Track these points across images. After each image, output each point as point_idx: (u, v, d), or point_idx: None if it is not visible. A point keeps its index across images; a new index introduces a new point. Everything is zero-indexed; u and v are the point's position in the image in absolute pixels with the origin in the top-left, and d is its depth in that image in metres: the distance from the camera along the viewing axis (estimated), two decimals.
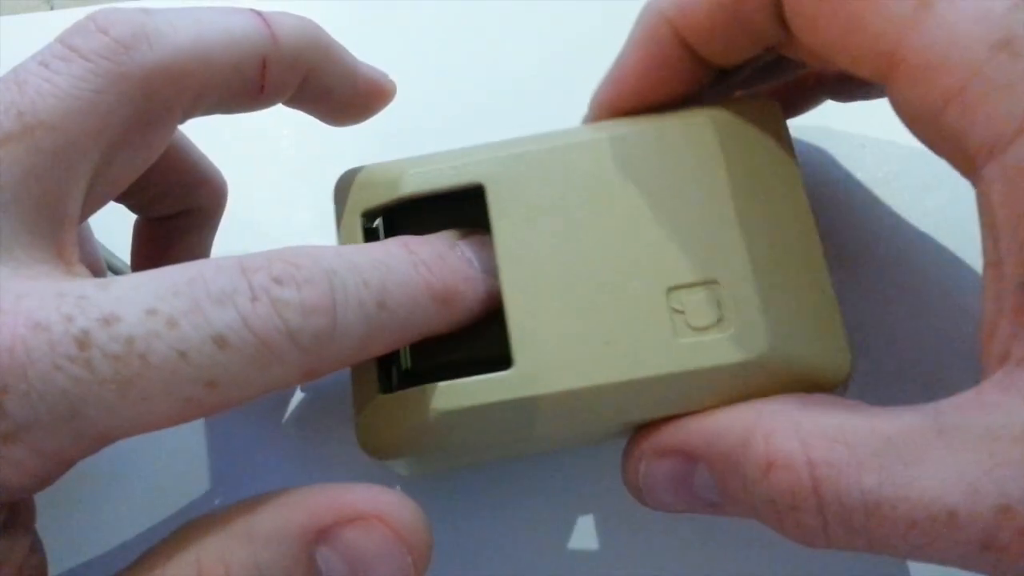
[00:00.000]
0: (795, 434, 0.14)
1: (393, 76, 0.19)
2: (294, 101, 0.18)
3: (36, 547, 0.14)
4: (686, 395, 0.16)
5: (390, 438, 0.17)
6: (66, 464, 0.13)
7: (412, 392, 0.16)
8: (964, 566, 0.13)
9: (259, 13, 0.16)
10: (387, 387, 0.17)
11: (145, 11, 0.15)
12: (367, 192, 0.18)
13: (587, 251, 0.17)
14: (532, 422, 0.16)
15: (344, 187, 0.19)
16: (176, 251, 0.21)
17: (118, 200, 0.19)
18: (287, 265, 0.14)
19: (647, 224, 0.17)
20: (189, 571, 0.13)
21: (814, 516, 0.14)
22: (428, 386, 0.16)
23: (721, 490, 0.15)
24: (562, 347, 0.16)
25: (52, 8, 0.34)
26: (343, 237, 0.18)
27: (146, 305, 0.13)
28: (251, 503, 0.14)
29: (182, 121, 0.16)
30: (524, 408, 0.16)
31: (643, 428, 0.17)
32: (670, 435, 0.16)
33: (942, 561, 0.13)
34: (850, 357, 0.16)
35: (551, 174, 0.17)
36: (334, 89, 0.18)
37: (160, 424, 0.13)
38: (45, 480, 0.13)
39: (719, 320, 0.16)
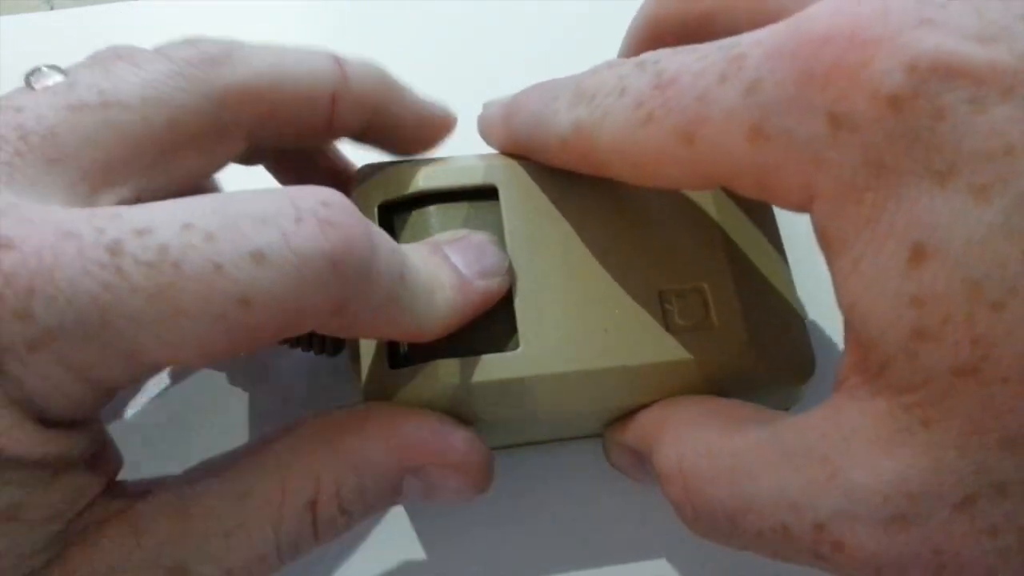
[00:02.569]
0: (675, 448, 0.16)
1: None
2: (363, 139, 0.19)
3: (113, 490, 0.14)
4: (672, 383, 0.18)
5: None
6: (100, 388, 0.13)
7: (423, 367, 0.17)
8: (814, 568, 0.14)
9: (335, 56, 0.18)
10: (394, 364, 0.18)
11: (233, 39, 0.16)
12: (386, 186, 0.19)
13: (589, 250, 0.18)
14: (536, 402, 0.17)
15: (363, 179, 0.19)
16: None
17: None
18: (334, 194, 0.14)
19: (644, 231, 0.19)
20: (309, 485, 0.15)
21: (695, 522, 0.15)
22: (440, 362, 0.17)
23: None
24: (565, 334, 0.17)
25: (52, 8, 0.35)
26: None
27: (182, 220, 0.12)
28: (358, 426, 0.16)
29: (255, 144, 0.17)
30: (529, 387, 0.17)
31: (615, 420, 0.19)
32: (621, 433, 0.18)
33: (800, 564, 0.14)
34: (813, 358, 0.19)
35: (559, 180, 0.19)
36: (399, 127, 0.19)
37: (192, 349, 0.13)
38: (80, 404, 0.13)
39: (704, 320, 0.18)
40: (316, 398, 0.22)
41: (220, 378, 0.22)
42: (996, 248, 0.11)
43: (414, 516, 0.21)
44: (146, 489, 0.15)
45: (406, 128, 0.19)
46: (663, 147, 0.14)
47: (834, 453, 0.13)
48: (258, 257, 0.12)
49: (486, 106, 0.20)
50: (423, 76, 0.30)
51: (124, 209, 0.13)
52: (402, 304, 0.15)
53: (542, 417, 0.18)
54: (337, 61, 0.18)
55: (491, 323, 0.17)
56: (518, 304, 0.17)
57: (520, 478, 0.21)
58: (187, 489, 0.15)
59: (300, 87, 0.17)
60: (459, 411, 0.17)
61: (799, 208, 0.14)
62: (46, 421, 0.13)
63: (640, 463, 0.18)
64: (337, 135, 0.18)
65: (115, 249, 0.12)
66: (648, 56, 0.15)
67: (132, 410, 0.21)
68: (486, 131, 0.20)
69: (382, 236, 0.14)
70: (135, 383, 0.13)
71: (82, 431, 0.14)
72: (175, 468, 0.16)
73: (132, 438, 0.18)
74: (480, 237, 0.18)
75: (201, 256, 0.12)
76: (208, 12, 0.32)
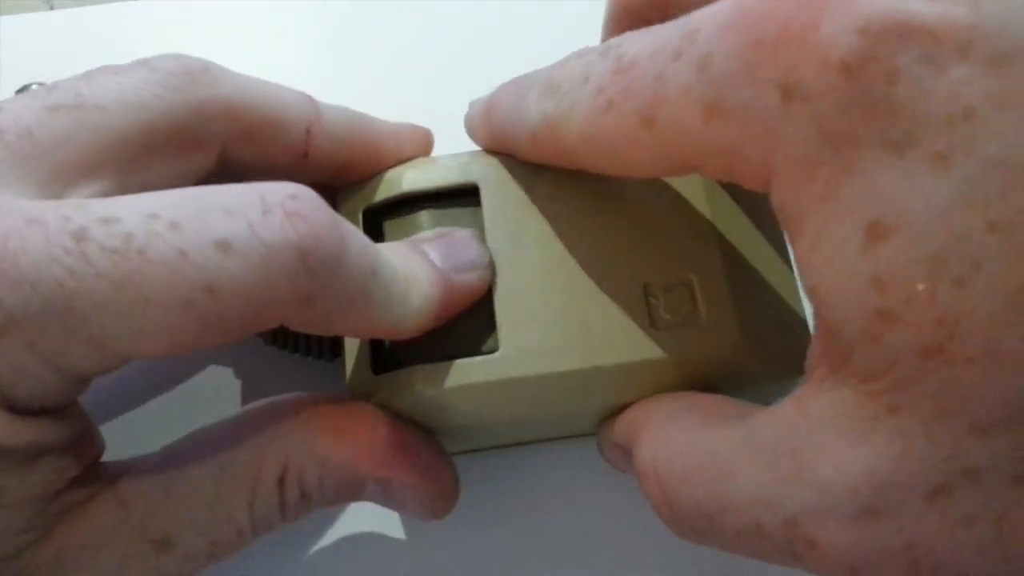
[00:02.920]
0: (652, 446, 0.16)
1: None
2: (346, 174, 0.19)
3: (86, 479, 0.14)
4: (658, 380, 0.17)
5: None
6: (70, 377, 0.13)
7: (402, 372, 0.17)
8: (794, 568, 0.13)
9: (307, 95, 0.18)
10: (377, 366, 0.18)
11: (213, 61, 0.17)
12: (370, 192, 0.19)
13: (571, 247, 0.18)
14: (517, 403, 0.17)
15: (347, 189, 0.19)
16: None
17: None
18: (303, 188, 0.14)
19: (630, 225, 0.18)
20: (279, 464, 0.15)
21: (674, 522, 0.15)
22: (421, 366, 0.17)
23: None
24: (545, 334, 0.17)
25: (52, 8, 0.35)
26: None
27: (148, 210, 0.13)
28: (335, 424, 0.16)
29: (230, 159, 0.17)
30: (510, 389, 0.17)
31: (607, 417, 0.18)
32: (610, 429, 0.18)
33: (780, 565, 0.13)
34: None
35: (541, 176, 0.19)
36: (380, 149, 0.19)
37: (159, 338, 0.13)
38: (52, 392, 0.13)
39: (691, 314, 0.17)
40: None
41: (215, 384, 0.22)
42: (957, 220, 0.10)
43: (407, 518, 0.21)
44: (129, 466, 0.15)
45: (386, 150, 0.20)
46: (626, 133, 0.14)
47: (803, 446, 0.12)
48: (224, 246, 0.12)
49: (471, 104, 0.20)
50: (423, 77, 0.30)
51: (91, 200, 0.13)
52: (375, 299, 0.15)
53: (524, 419, 0.18)
54: (310, 99, 0.18)
55: (471, 325, 0.17)
56: (498, 305, 0.17)
57: (511, 478, 0.21)
58: (169, 462, 0.15)
59: (275, 110, 0.17)
60: (439, 415, 0.17)
61: (765, 189, 0.13)
62: (18, 409, 0.13)
63: (629, 459, 0.18)
64: (315, 170, 0.19)
65: (80, 236, 0.12)
66: (613, 41, 0.15)
67: (125, 417, 0.21)
68: (470, 129, 0.20)
69: (353, 232, 0.14)
70: (106, 372, 0.13)
71: (58, 419, 0.14)
72: None
73: (125, 446, 0.18)
74: (462, 233, 0.18)
75: (166, 244, 0.12)
76: (208, 12, 0.32)
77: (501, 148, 0.19)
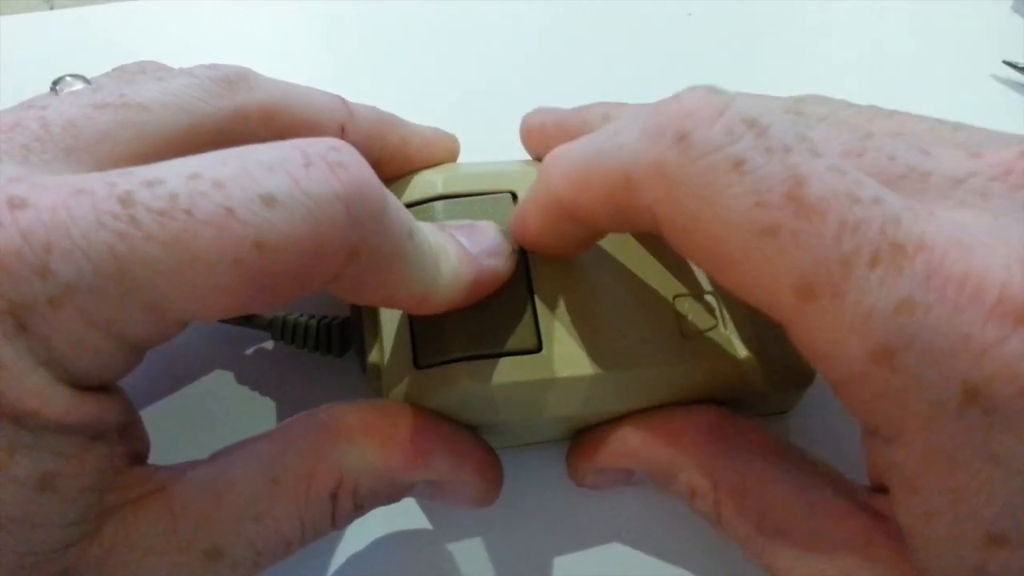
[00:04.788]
0: (708, 476, 0.17)
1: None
2: (377, 174, 0.19)
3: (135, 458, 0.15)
4: (686, 387, 0.18)
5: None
6: (127, 345, 0.13)
7: (451, 367, 0.17)
8: None
9: (339, 96, 0.19)
10: (417, 365, 0.18)
11: (249, 68, 0.18)
12: (408, 190, 0.19)
13: (606, 257, 0.19)
14: (556, 402, 0.18)
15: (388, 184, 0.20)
16: None
17: None
18: (343, 143, 0.14)
19: (658, 241, 0.18)
20: (333, 477, 0.15)
21: (719, 530, 0.17)
22: (467, 363, 0.17)
23: (655, 485, 0.18)
24: (585, 338, 0.18)
25: (52, 8, 0.35)
26: None
27: (190, 171, 0.12)
28: (385, 431, 0.16)
29: None
30: (553, 388, 0.17)
31: (580, 447, 0.19)
32: (609, 460, 0.18)
33: None
34: (812, 368, 0.19)
35: None
36: (409, 152, 0.20)
37: (212, 298, 0.12)
38: (110, 363, 0.13)
39: (715, 326, 0.18)
40: (320, 399, 0.22)
41: (227, 380, 0.22)
42: None
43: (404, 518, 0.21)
44: (180, 472, 0.15)
45: (415, 151, 0.20)
46: (767, 273, 0.13)
47: None
48: (269, 200, 0.12)
49: (541, 111, 0.21)
50: (422, 76, 0.30)
51: (135, 167, 0.13)
52: (410, 261, 0.15)
53: (557, 418, 0.18)
54: (342, 99, 0.19)
55: (513, 325, 0.17)
56: (540, 307, 0.18)
57: (516, 477, 0.21)
58: (219, 472, 0.15)
59: (310, 112, 0.18)
60: (478, 412, 0.17)
61: (876, 430, 0.13)
62: (78, 385, 0.13)
63: (625, 479, 0.19)
64: None
65: (127, 200, 0.12)
66: (792, 128, 0.13)
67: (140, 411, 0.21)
68: (531, 134, 0.21)
69: (391, 195, 0.14)
70: (163, 339, 0.13)
71: (113, 398, 0.14)
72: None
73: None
74: (484, 223, 0.18)
75: (211, 202, 0.12)
76: (208, 12, 0.32)
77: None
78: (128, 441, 0.14)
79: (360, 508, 0.16)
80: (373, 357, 0.19)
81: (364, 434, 0.16)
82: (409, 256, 0.14)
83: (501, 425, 0.18)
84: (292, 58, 0.31)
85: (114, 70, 0.17)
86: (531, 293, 0.18)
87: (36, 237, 0.11)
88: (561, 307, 0.18)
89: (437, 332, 0.17)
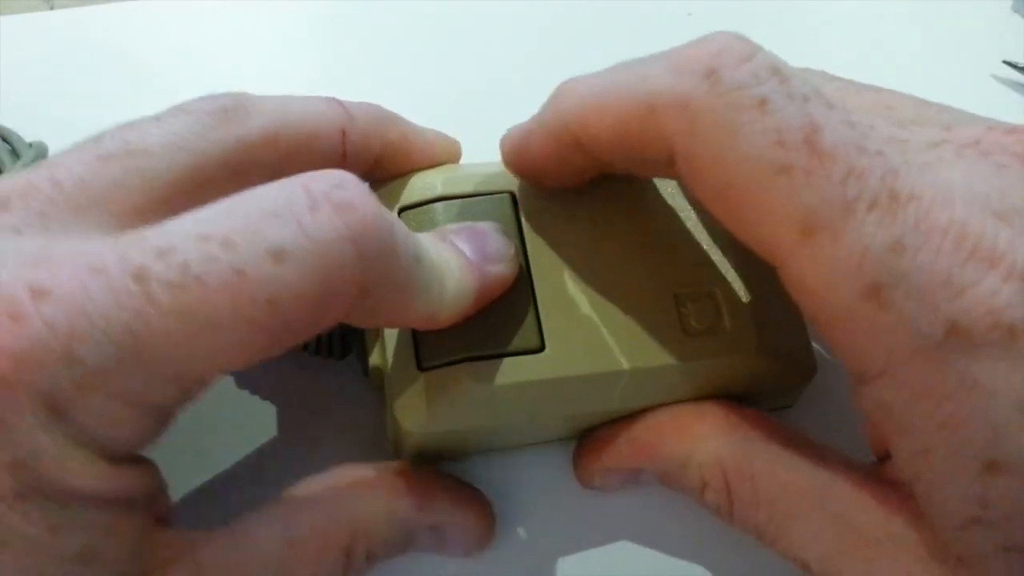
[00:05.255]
0: (719, 466, 0.17)
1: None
2: (377, 173, 0.19)
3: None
4: (690, 385, 0.18)
5: (432, 414, 0.17)
6: (159, 413, 0.13)
7: (454, 368, 0.17)
8: None
9: (335, 98, 0.19)
10: (421, 367, 0.18)
11: (243, 92, 0.17)
12: (407, 191, 0.19)
13: (606, 254, 0.19)
14: (561, 402, 0.18)
15: (383, 185, 0.20)
16: None
17: None
18: (346, 175, 0.14)
19: (657, 237, 0.19)
20: (346, 534, 0.16)
21: (730, 521, 0.17)
22: (470, 364, 0.17)
23: (663, 483, 0.19)
24: (588, 336, 0.18)
25: (52, 8, 0.35)
26: None
27: (199, 231, 0.13)
28: (392, 483, 0.17)
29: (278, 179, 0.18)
30: (557, 388, 0.17)
31: (587, 447, 0.20)
32: (617, 459, 0.19)
33: None
34: (815, 360, 0.19)
35: (573, 189, 0.19)
36: (410, 151, 0.20)
37: (232, 358, 0.13)
38: (143, 433, 0.13)
39: (717, 323, 0.18)
40: (321, 402, 0.22)
41: (227, 384, 0.22)
42: None
43: None
44: (207, 536, 0.15)
45: (416, 151, 0.20)
46: (775, 208, 0.14)
47: None
48: (278, 254, 0.12)
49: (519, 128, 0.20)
50: (424, 76, 0.30)
51: (147, 231, 0.13)
52: (418, 286, 0.15)
53: (564, 417, 0.18)
54: (339, 102, 0.19)
55: (515, 325, 0.18)
56: (541, 307, 0.18)
57: (500, 480, 0.21)
58: (242, 536, 0.16)
59: (310, 124, 0.18)
60: (484, 412, 0.17)
61: (857, 370, 0.14)
62: (115, 457, 0.13)
63: (633, 479, 0.19)
64: (353, 168, 0.19)
65: (140, 276, 0.12)
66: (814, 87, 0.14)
67: None
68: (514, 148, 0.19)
69: (397, 221, 0.14)
70: (190, 400, 0.13)
71: (144, 466, 0.14)
72: (181, 469, 0.16)
73: None
74: (483, 225, 0.18)
75: (222, 266, 0.12)
76: (208, 12, 0.32)
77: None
78: (157, 505, 0.15)
79: (372, 560, 0.17)
80: (375, 360, 0.19)
81: (371, 486, 0.17)
82: (416, 281, 0.15)
83: (505, 426, 0.18)
84: (292, 58, 0.31)
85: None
86: (532, 293, 0.18)
87: (59, 325, 0.12)
88: (562, 306, 0.18)
89: (439, 333, 0.17)
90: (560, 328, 0.18)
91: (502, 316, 0.17)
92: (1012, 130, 0.15)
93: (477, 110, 0.22)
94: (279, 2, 0.32)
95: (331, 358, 0.21)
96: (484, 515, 0.19)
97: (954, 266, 0.13)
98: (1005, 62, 0.31)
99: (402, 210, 0.19)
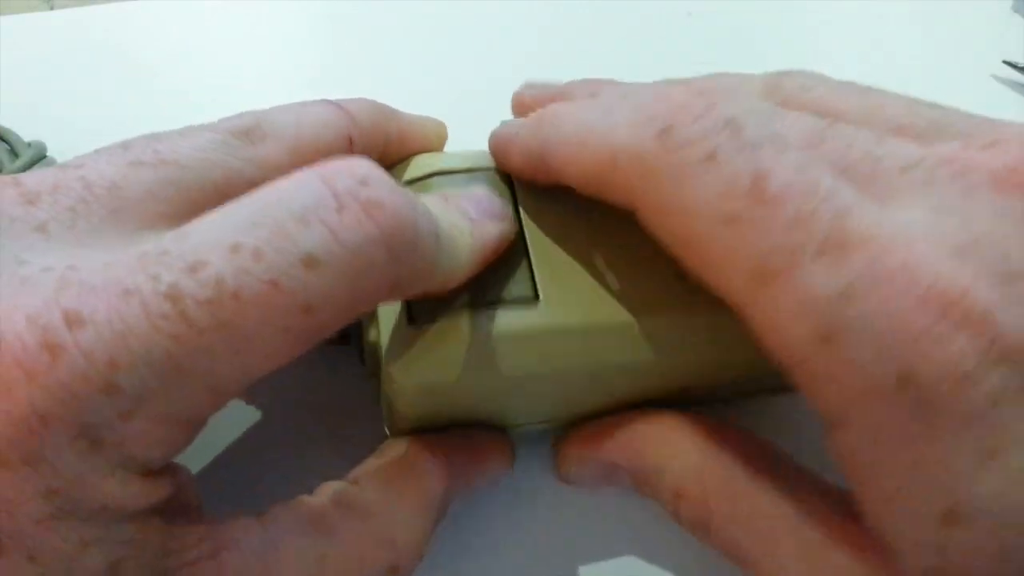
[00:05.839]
0: (699, 479, 0.17)
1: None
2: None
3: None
4: (687, 339, 0.18)
5: (425, 363, 0.17)
6: (194, 424, 0.13)
7: (449, 322, 0.17)
8: None
9: (334, 102, 0.19)
10: (412, 322, 0.18)
11: (260, 112, 0.18)
12: (408, 171, 0.20)
13: (600, 216, 0.18)
14: (556, 353, 0.17)
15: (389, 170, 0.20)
16: None
17: None
18: (368, 166, 0.14)
19: None
20: (388, 552, 0.16)
21: (704, 537, 0.17)
22: (465, 315, 0.17)
23: (636, 487, 0.18)
24: (583, 290, 0.18)
25: (52, 8, 0.35)
26: None
27: (229, 242, 0.12)
28: (414, 473, 0.17)
29: None
30: (552, 339, 0.17)
31: (570, 435, 0.20)
32: (596, 450, 0.19)
33: None
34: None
35: None
36: (407, 142, 0.20)
37: (267, 364, 0.13)
38: (177, 444, 0.13)
39: None
40: (320, 392, 0.22)
41: None
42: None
43: None
44: (234, 533, 0.15)
45: (411, 141, 0.20)
46: (727, 257, 0.14)
47: None
48: (310, 262, 0.12)
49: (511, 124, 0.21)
50: (423, 76, 0.30)
51: (170, 243, 0.13)
52: (440, 260, 0.15)
53: (558, 383, 0.18)
54: (338, 105, 0.19)
55: (508, 279, 0.18)
56: (535, 261, 0.18)
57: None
58: (269, 543, 0.15)
59: (323, 141, 0.18)
60: (477, 364, 0.17)
61: (814, 406, 0.14)
62: (149, 471, 0.13)
63: (608, 475, 0.19)
64: None
65: (174, 296, 0.12)
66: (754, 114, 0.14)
67: None
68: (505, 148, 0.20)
69: (416, 200, 0.14)
70: (221, 406, 0.14)
71: (173, 469, 0.14)
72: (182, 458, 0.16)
73: None
74: (479, 189, 0.18)
75: (255, 279, 0.12)
76: (208, 12, 0.32)
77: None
78: (185, 500, 0.15)
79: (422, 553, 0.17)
80: (370, 337, 0.19)
81: (402, 486, 0.17)
82: (438, 255, 0.15)
83: (501, 389, 0.18)
84: (292, 58, 0.31)
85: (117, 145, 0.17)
86: (527, 251, 0.18)
87: (98, 356, 0.12)
88: (556, 259, 0.18)
89: (434, 300, 0.17)
90: (555, 282, 0.18)
91: (496, 270, 0.18)
92: (989, 145, 0.14)
93: (477, 110, 0.22)
94: (279, 2, 0.32)
95: (328, 343, 0.21)
96: (505, 449, 0.19)
97: (905, 312, 0.12)
98: (1005, 62, 0.31)
99: (405, 185, 0.19)
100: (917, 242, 0.13)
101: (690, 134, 0.14)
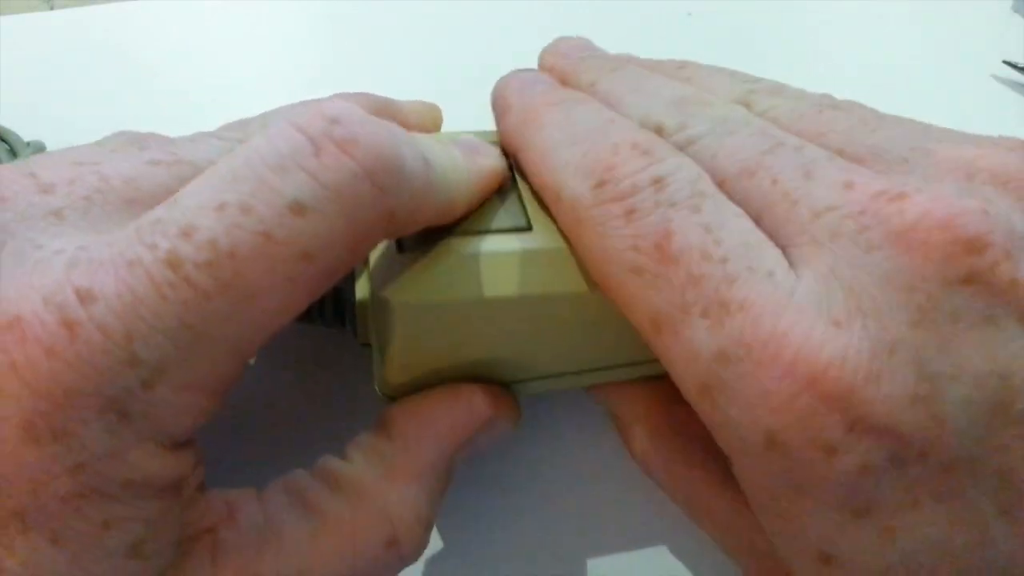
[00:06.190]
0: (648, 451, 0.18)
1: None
2: None
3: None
4: None
5: (419, 286, 0.17)
6: (219, 392, 0.13)
7: (440, 244, 0.17)
8: None
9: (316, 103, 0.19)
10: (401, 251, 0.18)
11: (262, 115, 0.18)
12: None
13: None
14: (550, 277, 0.17)
15: None
16: None
17: None
18: (339, 106, 0.14)
19: None
20: (384, 526, 0.16)
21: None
22: (456, 237, 0.17)
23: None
24: None
25: (52, 8, 0.35)
26: None
27: (215, 201, 0.13)
28: (407, 444, 0.17)
29: None
30: (544, 260, 0.17)
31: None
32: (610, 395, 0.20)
33: None
34: None
35: None
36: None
37: (280, 318, 0.13)
38: (204, 413, 0.13)
39: None
40: (316, 373, 0.22)
41: None
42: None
43: None
44: (232, 507, 0.15)
45: (412, 122, 0.21)
46: (633, 303, 0.15)
47: None
48: (298, 209, 0.12)
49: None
50: (423, 76, 0.30)
51: (162, 211, 0.13)
52: (434, 186, 0.15)
53: (553, 302, 0.18)
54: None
55: (499, 210, 0.18)
56: (526, 200, 0.18)
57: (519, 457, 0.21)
58: (265, 519, 0.15)
59: None
60: (469, 285, 0.17)
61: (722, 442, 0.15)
62: (176, 443, 0.13)
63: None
64: None
65: (174, 262, 0.12)
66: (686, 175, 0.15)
67: None
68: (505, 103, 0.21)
69: (395, 128, 0.14)
70: (243, 368, 0.14)
71: (193, 444, 0.14)
72: None
73: None
74: (469, 137, 0.18)
75: (248, 234, 0.12)
76: (208, 12, 0.32)
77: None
78: (197, 476, 0.15)
79: (428, 527, 0.17)
80: (360, 293, 0.18)
81: (393, 461, 0.17)
82: (431, 182, 0.15)
83: (495, 322, 0.18)
84: (292, 58, 0.31)
85: (117, 134, 0.17)
86: (517, 187, 0.18)
87: (113, 329, 0.12)
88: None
89: (424, 232, 0.17)
90: (547, 218, 0.18)
91: (489, 206, 0.18)
92: (897, 197, 0.14)
93: (477, 110, 0.22)
94: (279, 2, 0.32)
95: (322, 324, 0.21)
96: (506, 405, 0.19)
97: (770, 381, 0.13)
98: (1005, 62, 0.31)
99: None
100: (793, 311, 0.13)
101: (620, 190, 0.15)
